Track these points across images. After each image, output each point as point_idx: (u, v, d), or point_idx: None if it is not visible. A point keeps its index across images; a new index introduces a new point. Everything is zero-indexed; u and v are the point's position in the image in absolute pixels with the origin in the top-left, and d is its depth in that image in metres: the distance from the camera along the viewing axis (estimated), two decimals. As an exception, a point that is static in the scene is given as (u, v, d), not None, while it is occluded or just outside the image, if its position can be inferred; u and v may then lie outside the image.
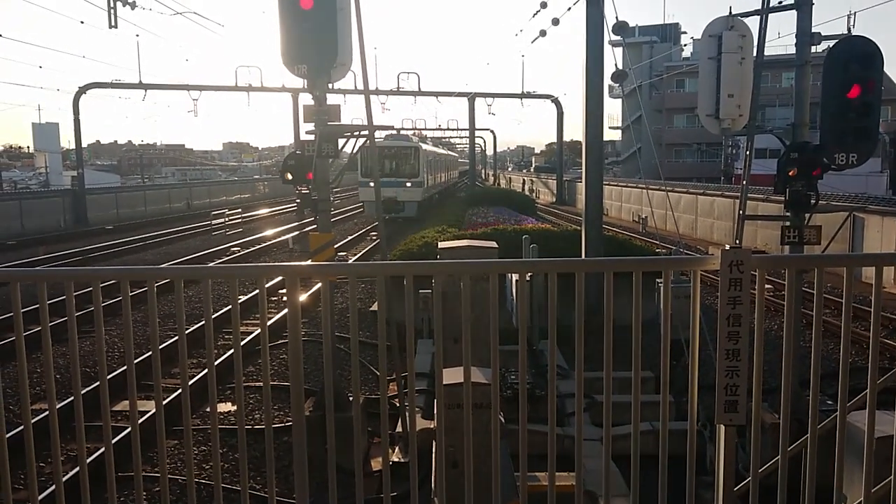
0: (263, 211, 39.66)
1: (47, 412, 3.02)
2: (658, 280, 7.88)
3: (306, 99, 7.30)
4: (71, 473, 5.43)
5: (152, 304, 2.93)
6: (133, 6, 24.69)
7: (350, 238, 25.46)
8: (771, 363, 3.28)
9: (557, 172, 49.40)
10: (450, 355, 3.11)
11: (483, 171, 77.04)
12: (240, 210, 35.51)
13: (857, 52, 6.60)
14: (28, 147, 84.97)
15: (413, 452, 2.99)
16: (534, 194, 49.80)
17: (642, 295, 2.80)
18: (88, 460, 3.06)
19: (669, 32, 63.47)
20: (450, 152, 55.41)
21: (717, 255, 2.82)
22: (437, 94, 40.93)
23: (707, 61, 7.25)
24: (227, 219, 30.94)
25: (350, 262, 16.92)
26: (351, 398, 6.60)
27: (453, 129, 60.93)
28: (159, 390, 2.97)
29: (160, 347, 3.06)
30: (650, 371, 6.65)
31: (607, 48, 11.58)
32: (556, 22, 25.69)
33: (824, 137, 6.78)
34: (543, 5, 24.63)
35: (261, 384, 8.16)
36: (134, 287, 3.04)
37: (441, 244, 7.90)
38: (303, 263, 3.98)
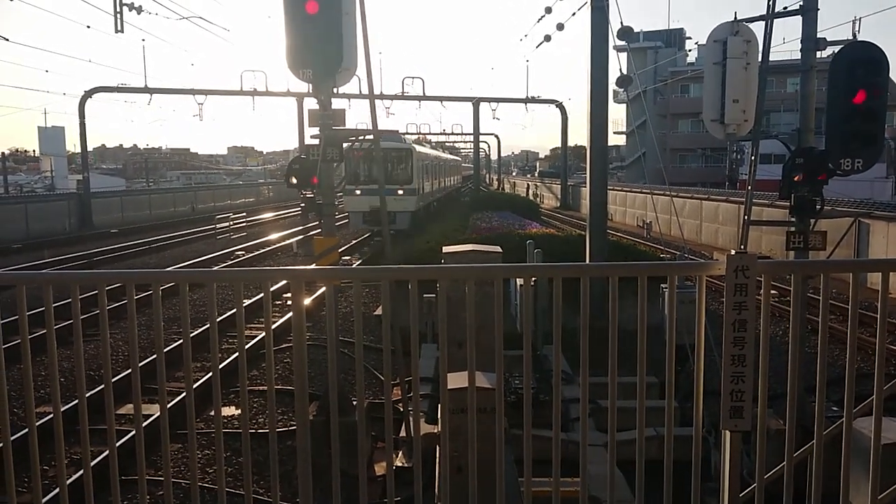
0: (268, 215, 39.70)
1: (51, 415, 3.02)
2: (663, 285, 7.87)
3: (311, 103, 7.31)
4: (75, 476, 5.44)
5: (157, 308, 2.93)
6: (139, 11, 24.80)
7: (354, 242, 25.48)
8: (776, 369, 3.27)
9: (562, 177, 49.40)
10: (454, 360, 3.11)
11: (487, 175, 77.13)
12: (244, 214, 35.56)
13: (863, 58, 6.59)
14: (34, 151, 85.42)
15: (417, 457, 2.98)
16: (538, 199, 49.79)
17: (647, 300, 2.80)
18: (92, 463, 3.06)
19: (674, 37, 63.46)
20: (451, 156, 51.29)
21: (723, 261, 2.81)
22: (441, 99, 41.04)
23: (712, 66, 7.24)
24: (231, 223, 30.98)
25: (354, 265, 16.93)
26: (355, 402, 6.59)
27: (458, 134, 61.06)
28: (164, 394, 2.98)
29: (165, 351, 3.06)
30: (655, 376, 6.63)
31: (612, 53, 11.61)
32: (560, 27, 25.71)
33: (829, 143, 6.76)
34: (548, 10, 24.67)
35: (264, 388, 8.16)
36: (139, 290, 3.04)
37: (445, 248, 7.91)
38: (307, 267, 3.99)
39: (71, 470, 6.01)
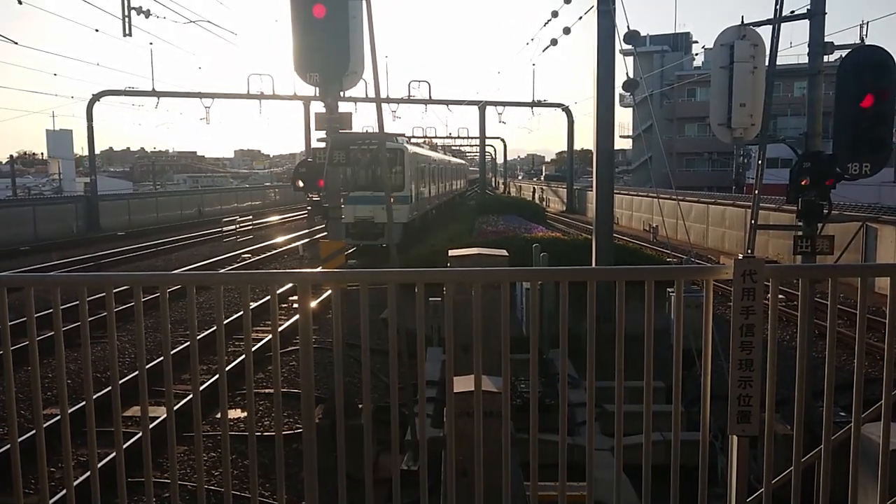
0: (274, 218, 39.80)
1: (59, 417, 3.03)
2: (669, 289, 7.85)
3: (318, 107, 7.34)
4: (82, 478, 5.45)
5: (164, 310, 2.94)
6: (147, 15, 24.93)
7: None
8: (784, 374, 3.25)
9: (568, 181, 49.38)
10: (460, 363, 3.10)
11: (493, 179, 77.12)
12: (251, 217, 35.65)
13: (870, 62, 6.58)
14: (42, 154, 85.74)
15: (423, 461, 2.98)
16: (544, 203, 49.76)
17: (654, 304, 2.79)
18: (99, 465, 3.07)
19: (681, 41, 63.36)
20: (454, 158, 48.67)
21: (731, 265, 2.80)
22: (447, 103, 41.09)
23: (719, 70, 7.23)
24: (237, 226, 31.07)
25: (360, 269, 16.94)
26: (360, 406, 6.59)
27: (464, 138, 61.06)
28: (170, 396, 2.98)
29: (171, 353, 3.07)
30: (661, 381, 6.61)
31: (618, 57, 11.58)
32: (567, 31, 25.72)
33: (837, 147, 6.75)
34: (555, 14, 24.62)
35: (271, 391, 8.17)
36: (146, 293, 3.06)
37: (451, 252, 7.90)
38: (314, 270, 3.99)
39: (78, 471, 6.03)
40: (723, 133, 7.30)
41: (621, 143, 68.77)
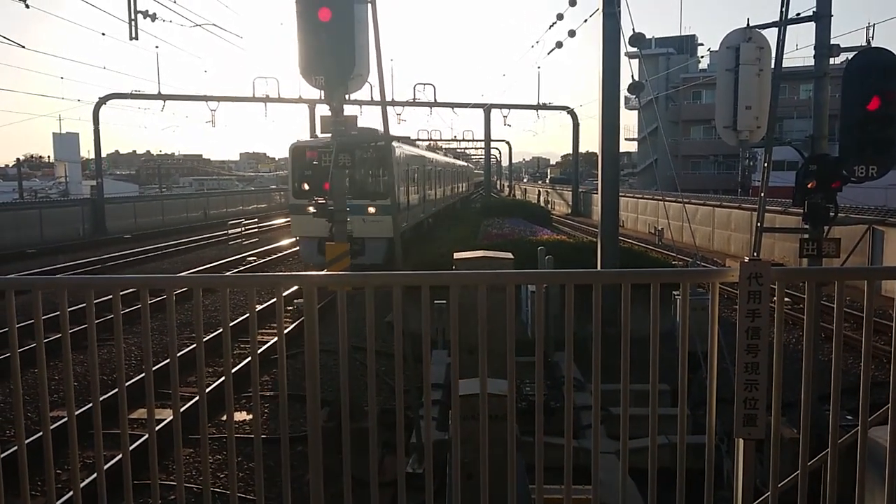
0: (279, 221, 39.86)
1: (65, 419, 3.04)
2: (675, 292, 7.83)
3: (323, 110, 7.36)
4: (88, 480, 5.46)
5: (171, 313, 2.95)
6: (154, 18, 24.99)
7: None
8: (790, 377, 3.24)
9: (573, 184, 49.33)
10: (465, 366, 3.10)
11: (498, 182, 77.13)
12: (256, 220, 35.72)
13: (877, 64, 6.55)
14: (48, 157, 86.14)
15: (428, 463, 2.98)
16: (549, 205, 49.74)
17: (659, 307, 2.79)
18: (106, 467, 3.08)
19: (686, 44, 63.33)
20: (455, 160, 46.22)
21: (736, 268, 2.79)
22: (452, 106, 41.12)
23: (724, 73, 7.22)
24: (243, 228, 31.13)
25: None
26: (366, 408, 6.60)
27: (469, 140, 61.13)
28: (177, 398, 2.99)
29: (178, 355, 3.08)
30: (667, 384, 6.60)
31: (623, 60, 11.57)
32: (572, 34, 25.71)
33: (843, 149, 6.72)
34: (560, 17, 24.66)
35: (276, 393, 8.17)
36: (152, 295, 3.07)
37: (457, 255, 7.91)
38: (319, 273, 4.00)
39: (84, 473, 6.03)
40: (728, 136, 7.28)
41: (627, 146, 68.95)
